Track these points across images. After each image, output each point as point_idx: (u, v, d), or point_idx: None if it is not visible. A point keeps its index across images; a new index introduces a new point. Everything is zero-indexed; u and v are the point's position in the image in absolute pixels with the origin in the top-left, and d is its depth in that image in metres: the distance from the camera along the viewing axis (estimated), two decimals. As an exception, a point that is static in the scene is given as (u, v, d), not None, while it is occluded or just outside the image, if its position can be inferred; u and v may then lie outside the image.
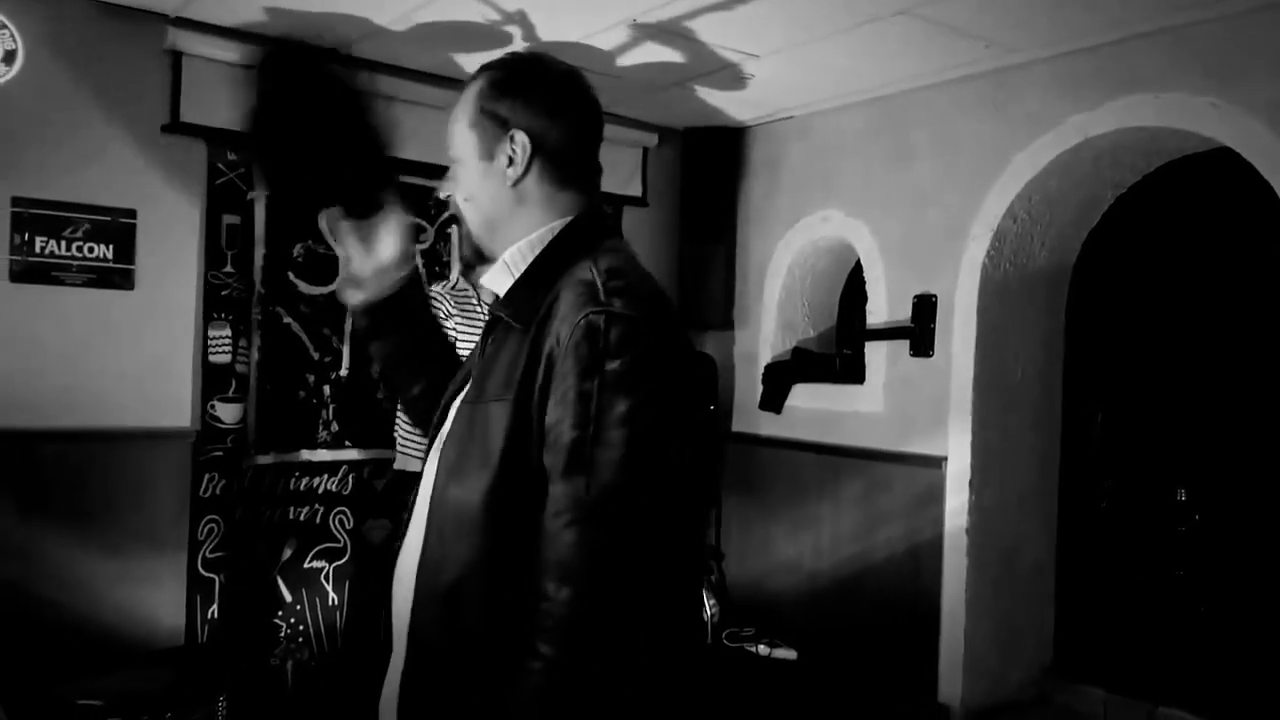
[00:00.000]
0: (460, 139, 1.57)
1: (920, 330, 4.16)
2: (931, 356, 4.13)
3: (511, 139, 1.51)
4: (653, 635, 1.35)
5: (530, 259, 1.53)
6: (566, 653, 1.29)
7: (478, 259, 1.63)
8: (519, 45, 3.94)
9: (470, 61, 4.17)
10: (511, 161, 1.51)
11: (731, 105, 4.75)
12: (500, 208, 1.55)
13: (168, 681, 3.31)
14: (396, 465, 3.92)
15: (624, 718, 1.34)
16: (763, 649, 4.59)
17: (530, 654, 1.31)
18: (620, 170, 5.00)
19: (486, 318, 1.70)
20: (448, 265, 4.48)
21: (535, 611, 1.31)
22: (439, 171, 4.62)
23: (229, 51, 3.86)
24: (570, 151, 1.55)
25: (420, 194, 4.41)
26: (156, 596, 3.80)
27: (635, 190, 5.08)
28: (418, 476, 1.59)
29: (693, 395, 1.45)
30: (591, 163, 1.60)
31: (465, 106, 1.57)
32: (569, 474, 1.32)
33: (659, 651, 1.37)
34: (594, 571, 1.30)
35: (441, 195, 1.67)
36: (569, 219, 1.54)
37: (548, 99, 1.54)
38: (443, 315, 3.73)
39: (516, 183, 1.52)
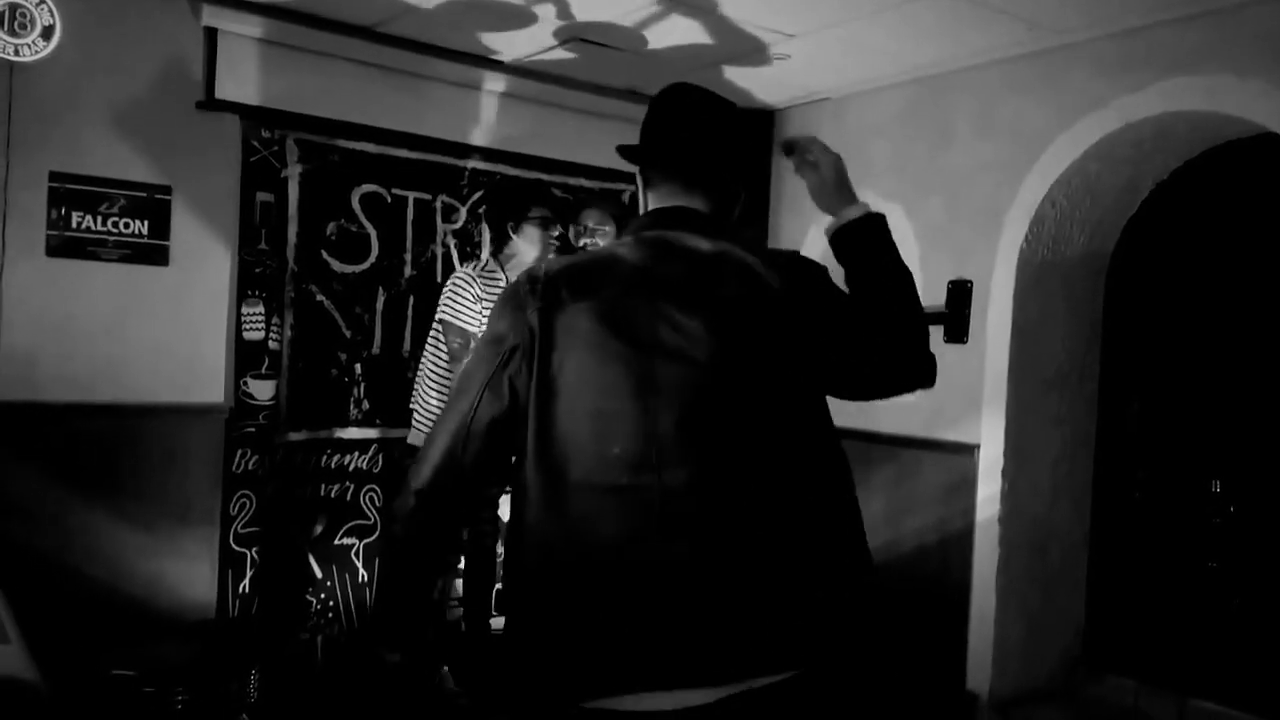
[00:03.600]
0: None
1: (955, 316, 4.11)
2: (966, 343, 4.09)
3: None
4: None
5: None
6: None
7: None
8: (551, 24, 3.91)
9: (501, 40, 4.15)
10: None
11: (764, 88, 4.70)
12: None
13: (200, 654, 3.35)
14: (410, 439, 3.90)
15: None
16: (789, 634, 4.57)
17: None
18: (652, 151, 4.95)
19: None
20: (479, 246, 4.47)
21: None
22: (469, 150, 4.63)
23: (264, 28, 3.87)
24: (645, 170, 1.80)
25: (451, 172, 4.42)
26: (188, 570, 3.84)
27: (667, 171, 5.04)
28: None
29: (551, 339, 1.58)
30: (659, 168, 1.78)
31: None
32: None
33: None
34: None
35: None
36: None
37: (640, 143, 1.82)
38: (470, 299, 3.71)
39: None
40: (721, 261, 1.63)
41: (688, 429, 1.52)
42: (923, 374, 1.73)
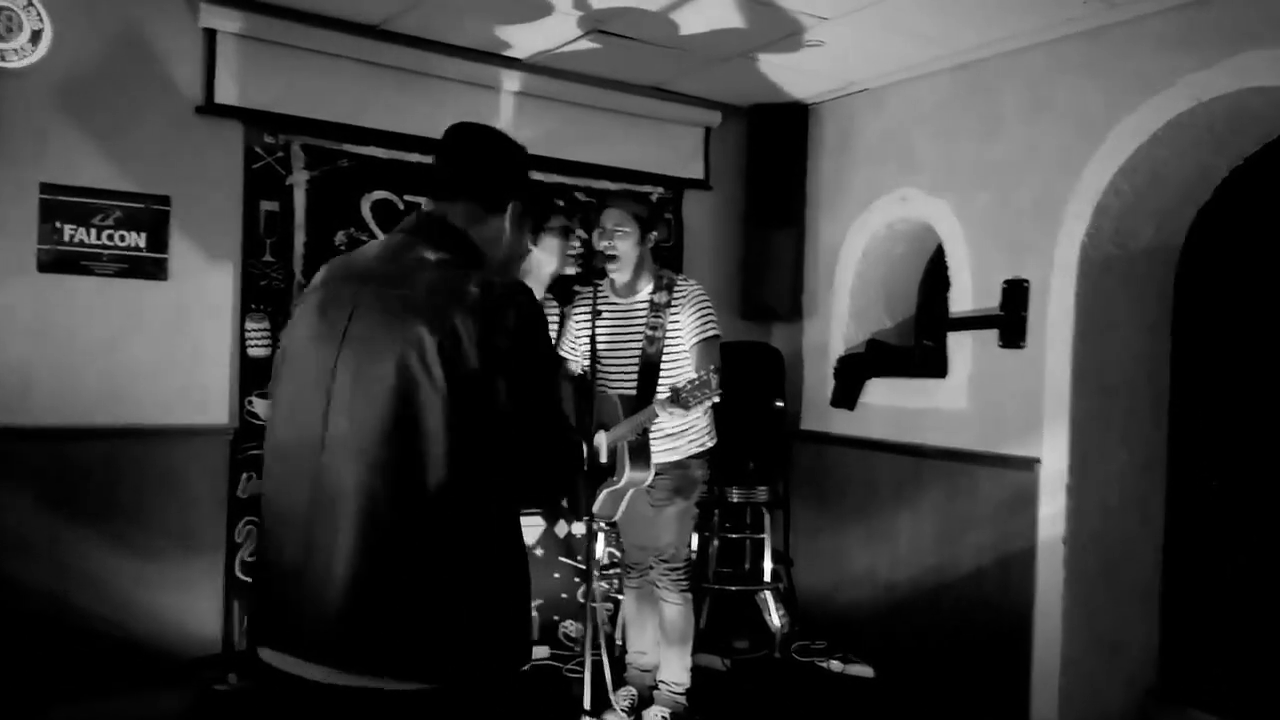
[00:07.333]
0: None
1: (1011, 318, 3.81)
2: (1023, 347, 3.78)
3: None
4: None
5: None
6: None
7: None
8: (567, 14, 3.67)
9: (517, 35, 3.92)
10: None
11: (800, 79, 4.42)
12: None
13: (199, 698, 3.11)
14: None
15: None
16: (835, 665, 4.28)
17: None
18: (681, 151, 4.70)
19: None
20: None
21: None
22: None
23: (265, 29, 3.68)
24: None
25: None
26: (192, 602, 3.63)
27: (697, 172, 4.79)
28: None
29: None
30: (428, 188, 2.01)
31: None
32: None
33: None
34: None
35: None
36: None
37: None
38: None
39: None
40: (425, 269, 1.69)
41: (353, 420, 1.59)
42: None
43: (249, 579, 1.79)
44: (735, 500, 4.51)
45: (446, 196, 1.82)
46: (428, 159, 4.04)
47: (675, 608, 3.48)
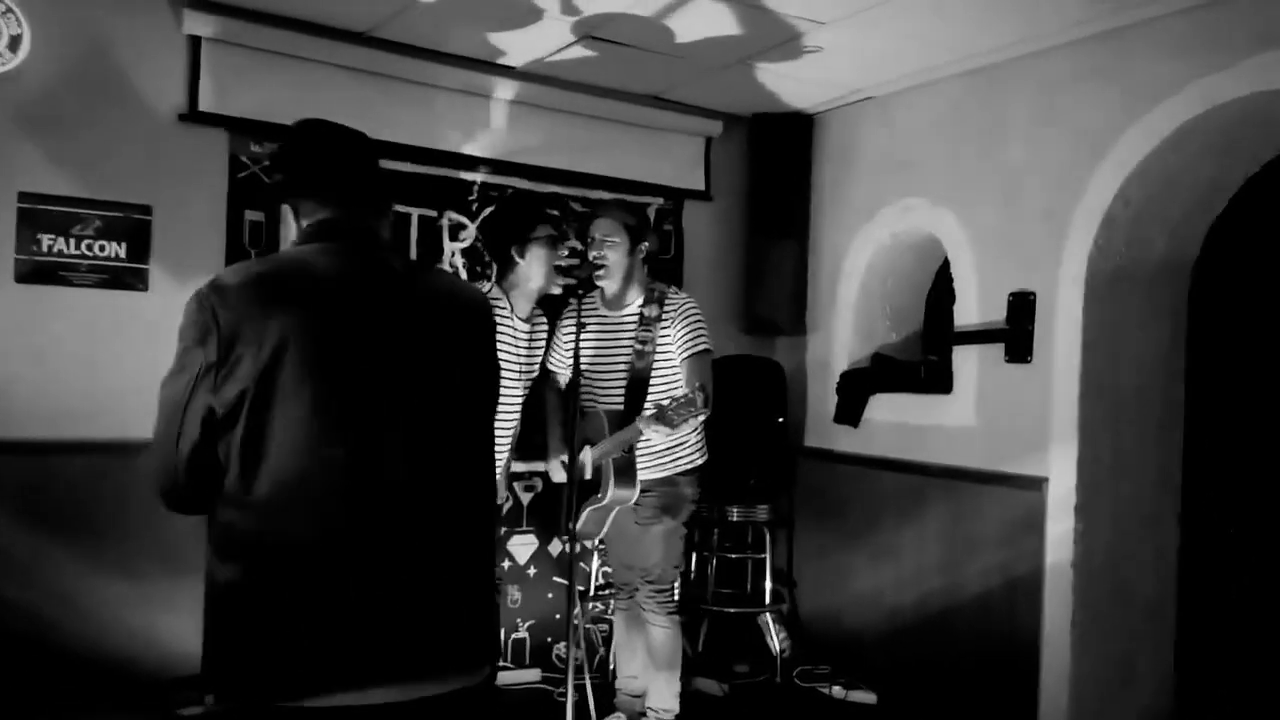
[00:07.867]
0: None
1: (1017, 332, 3.68)
2: (1030, 362, 3.65)
3: None
4: None
5: None
6: None
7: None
8: (557, 19, 3.59)
9: (506, 42, 3.84)
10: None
11: (802, 88, 4.31)
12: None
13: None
14: None
15: None
16: (838, 691, 4.14)
17: None
18: (681, 161, 4.60)
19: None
20: (490, 265, 4.14)
21: None
22: (477, 163, 4.31)
23: (251, 36, 3.62)
24: (299, 198, 1.82)
25: (458, 187, 4.11)
26: (173, 621, 3.51)
27: (698, 183, 4.68)
28: None
29: None
30: (316, 194, 1.80)
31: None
32: None
33: None
34: None
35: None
36: None
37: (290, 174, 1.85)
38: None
39: None
40: (414, 279, 1.74)
41: (411, 436, 1.61)
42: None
43: (260, 631, 1.53)
44: (735, 519, 4.38)
45: (350, 201, 1.73)
46: (419, 168, 4.00)
47: (662, 630, 3.35)
